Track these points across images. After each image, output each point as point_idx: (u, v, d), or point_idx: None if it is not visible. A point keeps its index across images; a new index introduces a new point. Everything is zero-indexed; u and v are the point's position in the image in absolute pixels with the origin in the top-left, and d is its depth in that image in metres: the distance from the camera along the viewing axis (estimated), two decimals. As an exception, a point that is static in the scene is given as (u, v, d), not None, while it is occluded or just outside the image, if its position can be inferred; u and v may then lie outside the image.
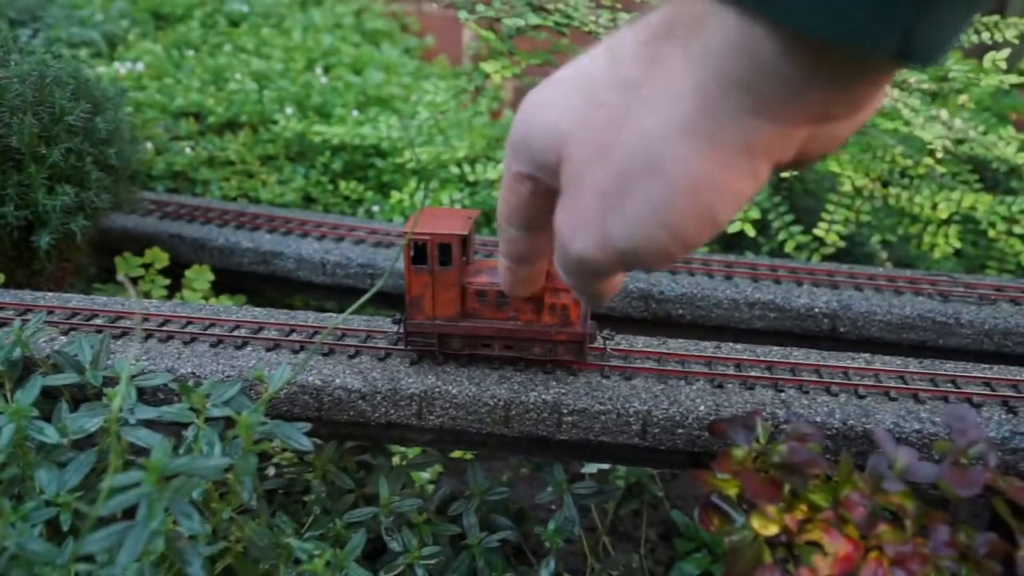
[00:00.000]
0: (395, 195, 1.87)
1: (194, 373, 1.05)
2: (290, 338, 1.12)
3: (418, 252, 1.01)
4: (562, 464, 1.12)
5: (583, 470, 1.39)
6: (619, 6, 1.52)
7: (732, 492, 0.81)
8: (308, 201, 2.09)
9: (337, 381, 1.03)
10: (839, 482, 0.81)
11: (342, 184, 2.09)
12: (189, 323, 1.15)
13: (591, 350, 1.10)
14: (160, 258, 1.58)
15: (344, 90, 2.42)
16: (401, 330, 1.07)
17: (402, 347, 1.08)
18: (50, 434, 0.92)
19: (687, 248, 0.59)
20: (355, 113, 2.23)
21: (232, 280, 1.65)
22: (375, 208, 2.07)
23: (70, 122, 1.28)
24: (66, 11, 2.62)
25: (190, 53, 2.47)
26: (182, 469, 0.76)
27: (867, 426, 0.98)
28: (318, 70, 2.51)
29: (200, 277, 1.58)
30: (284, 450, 1.35)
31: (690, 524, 1.29)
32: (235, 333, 1.13)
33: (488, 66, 1.60)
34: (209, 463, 0.79)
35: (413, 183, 1.92)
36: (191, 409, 0.96)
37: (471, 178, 1.73)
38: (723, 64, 0.50)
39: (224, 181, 2.01)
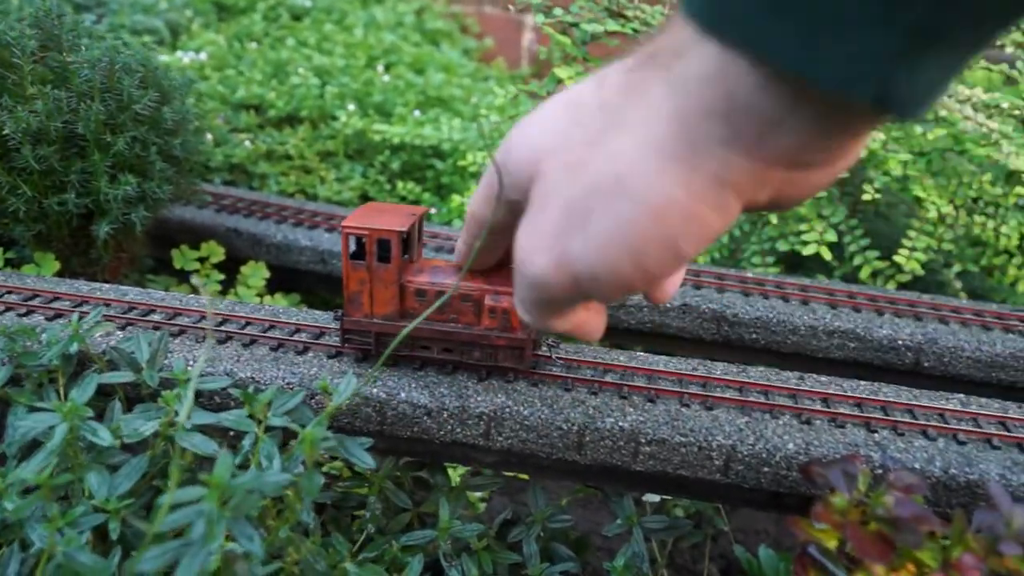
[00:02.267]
0: (456, 199, 1.82)
1: (253, 378, 1.00)
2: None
3: (357, 247, 0.98)
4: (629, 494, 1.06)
5: (643, 498, 1.32)
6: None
7: (832, 544, 0.74)
8: (365, 200, 2.05)
9: (402, 395, 0.97)
10: (951, 541, 0.73)
11: (400, 184, 2.05)
12: (248, 324, 1.11)
13: (536, 357, 1.05)
14: (216, 252, 1.55)
15: (405, 89, 2.38)
16: (339, 327, 1.03)
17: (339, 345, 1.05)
18: (103, 436, 0.88)
19: (646, 279, 0.57)
20: (416, 113, 2.19)
21: (288, 278, 1.61)
22: (432, 210, 2.02)
23: (137, 110, 1.25)
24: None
25: (252, 45, 2.46)
26: (246, 487, 0.71)
27: (970, 476, 0.90)
28: (379, 68, 2.47)
29: (256, 274, 1.55)
30: (334, 458, 1.31)
31: (753, 560, 1.21)
32: (295, 337, 1.08)
33: (562, 71, 1.54)
34: (272, 480, 0.74)
35: (474, 186, 1.87)
36: (250, 417, 0.91)
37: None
38: (702, 92, 0.49)
39: (282, 176, 1.98)
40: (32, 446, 0.92)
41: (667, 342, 1.38)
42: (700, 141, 0.51)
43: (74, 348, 0.97)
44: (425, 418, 0.97)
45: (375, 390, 0.98)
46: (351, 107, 2.12)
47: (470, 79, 2.80)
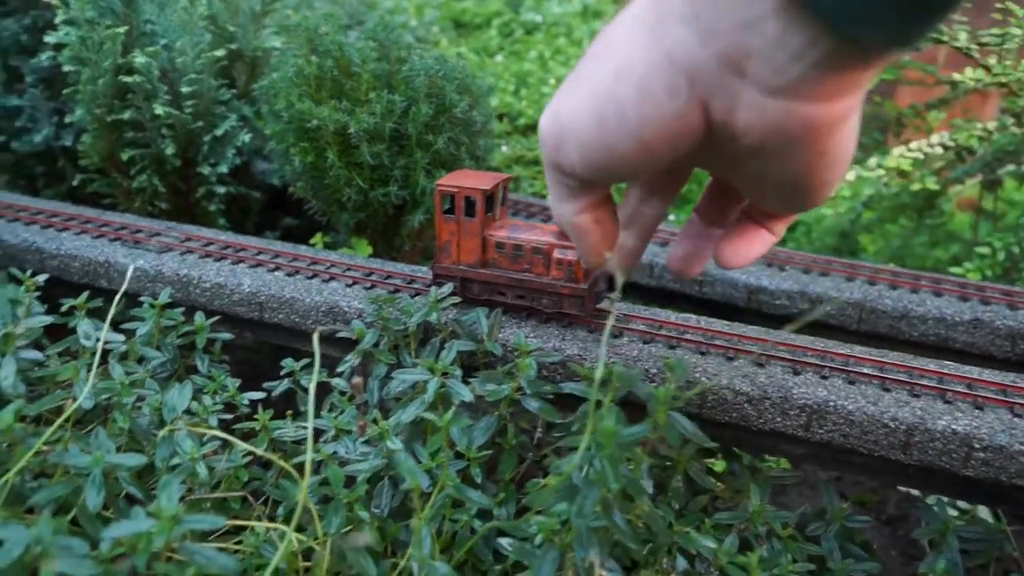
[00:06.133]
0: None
1: (579, 355, 1.09)
2: (660, 332, 1.14)
3: (448, 204, 1.14)
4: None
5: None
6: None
7: None
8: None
9: (724, 382, 1.03)
10: None
11: (636, 191, 2.12)
12: (560, 308, 1.21)
13: (597, 311, 1.15)
14: (493, 246, 1.67)
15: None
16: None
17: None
18: (465, 393, 0.99)
19: (607, 148, 0.58)
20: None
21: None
22: (671, 217, 2.08)
23: (455, 114, 1.39)
24: (386, 16, 2.87)
25: (498, 59, 2.62)
26: (629, 440, 0.78)
27: None
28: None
29: (527, 268, 1.66)
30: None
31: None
32: (602, 321, 1.17)
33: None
34: (638, 430, 0.81)
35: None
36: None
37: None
38: None
39: (533, 179, 2.10)
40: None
41: (952, 357, 1.35)
42: (666, 14, 0.52)
43: (433, 317, 1.09)
44: (746, 405, 1.02)
45: (697, 374, 1.04)
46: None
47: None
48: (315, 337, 0.86)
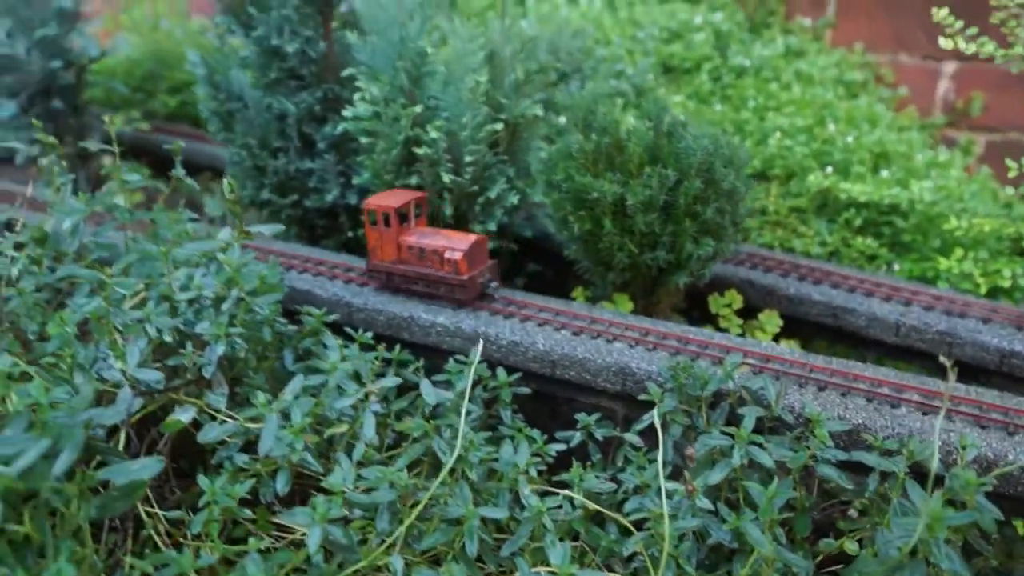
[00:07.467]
0: (943, 262, 1.89)
1: (865, 425, 1.19)
2: (934, 404, 1.22)
3: (373, 217, 1.59)
4: None
5: None
6: None
7: None
8: (831, 255, 2.19)
9: (1010, 457, 1.10)
10: None
11: (857, 240, 2.16)
12: (833, 374, 1.31)
13: (483, 296, 1.58)
14: (736, 300, 1.79)
15: (856, 147, 2.48)
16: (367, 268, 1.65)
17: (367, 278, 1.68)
18: (766, 459, 1.12)
19: None
20: (884, 173, 2.29)
21: (794, 328, 1.80)
22: (895, 267, 2.11)
23: (721, 186, 1.53)
24: (602, 64, 3.05)
25: (717, 107, 2.73)
26: (957, 525, 0.89)
27: None
28: (831, 126, 2.60)
29: (771, 321, 1.76)
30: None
31: None
32: (881, 391, 1.26)
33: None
34: (964, 516, 0.91)
35: (960, 251, 1.93)
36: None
37: (1055, 257, 1.69)
38: None
39: (760, 229, 2.20)
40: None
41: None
42: None
43: (730, 385, 1.23)
44: (1036, 482, 1.09)
45: (989, 453, 1.11)
46: (829, 169, 2.28)
47: (894, 132, 2.82)
48: (655, 415, 1.01)
